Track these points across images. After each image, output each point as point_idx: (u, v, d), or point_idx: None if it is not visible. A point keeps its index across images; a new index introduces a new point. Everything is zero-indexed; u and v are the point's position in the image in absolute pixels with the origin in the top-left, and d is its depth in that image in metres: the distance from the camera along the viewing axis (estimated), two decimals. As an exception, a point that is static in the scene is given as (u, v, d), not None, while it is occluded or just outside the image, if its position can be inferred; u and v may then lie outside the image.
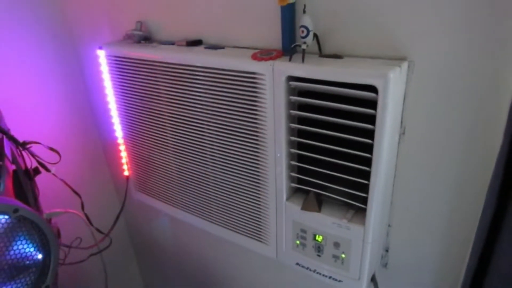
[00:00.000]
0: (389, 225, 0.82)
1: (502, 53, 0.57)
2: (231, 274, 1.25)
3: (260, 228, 0.88)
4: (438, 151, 0.68)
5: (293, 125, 0.72)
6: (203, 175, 0.93)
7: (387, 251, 0.85)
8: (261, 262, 1.12)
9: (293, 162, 0.76)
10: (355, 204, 0.71)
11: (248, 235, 0.92)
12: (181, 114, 0.89)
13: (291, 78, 0.68)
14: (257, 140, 0.78)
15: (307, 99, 0.68)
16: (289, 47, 0.71)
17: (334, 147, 0.68)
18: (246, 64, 0.72)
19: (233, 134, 0.81)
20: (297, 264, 0.85)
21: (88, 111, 1.29)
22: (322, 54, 0.70)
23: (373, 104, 0.61)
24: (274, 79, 0.69)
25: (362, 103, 0.62)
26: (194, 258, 1.34)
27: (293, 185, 0.78)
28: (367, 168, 0.66)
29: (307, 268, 0.84)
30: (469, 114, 0.63)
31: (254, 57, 0.72)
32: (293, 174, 0.77)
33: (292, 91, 0.70)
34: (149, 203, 1.13)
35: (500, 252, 0.60)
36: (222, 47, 0.84)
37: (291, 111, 0.71)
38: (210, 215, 0.98)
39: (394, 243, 0.83)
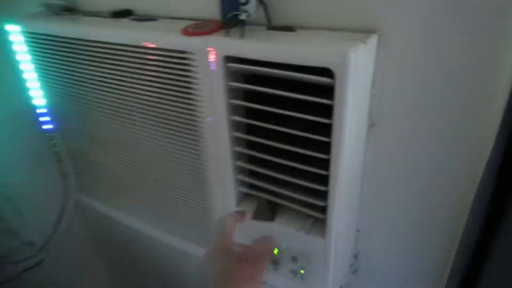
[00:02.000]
0: (357, 230, 0.69)
1: (500, 31, 0.43)
2: (185, 282, 1.13)
3: (209, 237, 0.75)
4: (415, 145, 0.55)
5: (237, 118, 0.57)
6: (142, 174, 0.79)
7: (356, 257, 0.73)
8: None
9: (240, 163, 0.62)
10: (313, 214, 0.58)
11: (197, 243, 0.79)
12: (111, 103, 0.73)
13: (230, 59, 0.53)
14: (195, 135, 0.63)
15: (252, 86, 0.53)
16: (229, 17, 0.55)
17: (284, 146, 0.54)
18: (174, 40, 0.56)
19: (168, 127, 0.66)
20: (253, 277, 0.72)
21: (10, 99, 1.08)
22: (270, 26, 0.55)
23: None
24: (208, 60, 0.54)
25: (326, 89, 0.48)
26: (148, 266, 1.21)
27: (243, 190, 0.64)
28: (324, 172, 0.52)
29: (263, 283, 0.71)
30: (455, 103, 0.49)
31: (186, 31, 0.56)
32: (241, 177, 0.63)
33: (233, 75, 0.55)
34: (92, 205, 0.98)
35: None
36: (154, 19, 0.68)
37: (233, 101, 0.56)
38: (154, 220, 0.84)
39: (364, 249, 0.71)
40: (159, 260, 1.12)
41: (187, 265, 1.06)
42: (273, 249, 0.64)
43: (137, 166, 0.78)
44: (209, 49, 0.53)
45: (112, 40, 0.64)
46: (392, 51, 0.50)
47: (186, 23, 0.61)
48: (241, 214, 0.61)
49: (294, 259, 0.63)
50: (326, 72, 0.45)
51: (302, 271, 0.64)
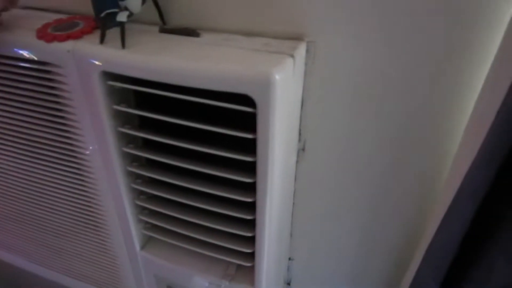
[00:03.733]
0: (290, 259, 0.60)
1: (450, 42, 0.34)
2: None
3: (117, 282, 0.61)
4: (349, 168, 0.46)
5: (129, 150, 0.43)
6: (29, 215, 0.60)
7: (289, 284, 0.65)
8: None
9: (141, 202, 0.48)
10: (238, 263, 0.47)
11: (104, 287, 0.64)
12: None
13: (110, 76, 0.38)
14: (77, 168, 0.48)
15: (146, 113, 0.38)
16: (102, 16, 0.39)
17: (198, 187, 0.41)
18: (28, 46, 0.39)
19: (42, 158, 0.49)
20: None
21: None
22: (165, 28, 0.40)
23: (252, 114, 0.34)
24: (80, 75, 0.38)
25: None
26: None
27: (146, 232, 0.51)
28: (248, 217, 0.41)
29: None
30: (394, 119, 0.41)
31: (42, 33, 0.39)
32: (142, 217, 0.49)
33: (118, 93, 0.40)
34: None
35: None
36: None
37: (121, 129, 0.41)
38: (56, 265, 0.67)
39: (297, 276, 0.63)
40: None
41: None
42: None
43: (23, 206, 0.60)
44: (81, 60, 0.37)
45: None
46: (323, 61, 0.39)
47: (49, 17, 0.43)
48: None
49: (218, 306, 0.53)
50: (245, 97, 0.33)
51: (228, 319, 0.54)
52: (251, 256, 0.46)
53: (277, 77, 0.31)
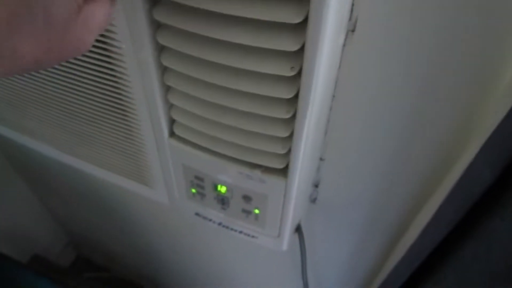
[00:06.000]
0: (321, 159, 0.58)
1: None
2: (123, 217, 1.01)
3: (141, 170, 0.61)
4: (399, 52, 0.41)
5: (159, 19, 0.39)
6: (54, 96, 0.59)
7: (316, 186, 0.64)
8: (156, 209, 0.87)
9: (170, 83, 0.44)
10: (270, 167, 0.45)
11: (129, 177, 0.64)
12: None
13: None
14: (105, 44, 0.44)
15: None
16: None
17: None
18: None
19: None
20: (197, 214, 0.61)
21: None
22: None
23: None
24: None
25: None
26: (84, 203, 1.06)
27: (176, 118, 0.49)
28: (284, 116, 0.37)
29: (210, 220, 0.61)
30: None
31: None
32: (173, 101, 0.46)
33: None
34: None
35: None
36: None
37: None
38: (80, 152, 0.67)
39: (326, 178, 0.61)
40: (90, 190, 0.97)
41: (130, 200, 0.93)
42: None
43: (38, 85, 0.58)
44: None
45: None
46: None
47: None
48: None
49: (247, 198, 0.52)
50: None
51: (256, 211, 0.53)
52: (287, 149, 0.43)
53: None
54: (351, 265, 0.77)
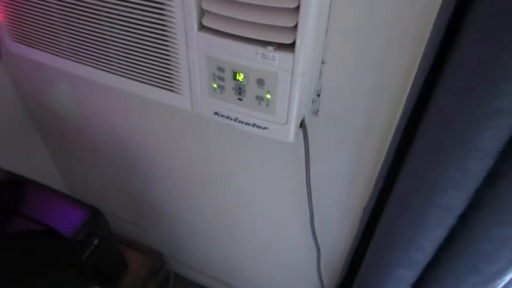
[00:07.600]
0: (322, 62, 0.69)
1: None
2: (146, 139, 1.11)
3: (170, 72, 0.71)
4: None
5: None
6: (91, 8, 0.71)
7: (318, 95, 0.74)
8: (179, 123, 0.98)
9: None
10: (281, 42, 0.55)
11: (155, 83, 0.75)
12: None
13: None
14: None
15: None
16: None
17: None
18: None
19: None
20: (216, 113, 0.72)
21: None
22: None
23: None
24: None
25: None
26: (104, 128, 1.16)
27: (205, 8, 0.60)
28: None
29: (227, 117, 0.71)
30: None
31: None
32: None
33: None
34: (32, 56, 0.89)
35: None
36: None
37: None
38: (107, 63, 0.78)
39: (327, 85, 0.72)
40: (118, 116, 1.08)
41: (153, 117, 1.04)
42: None
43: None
44: None
45: None
46: None
47: None
48: None
49: (260, 82, 0.63)
50: None
51: (268, 96, 0.64)
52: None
53: None
54: (353, 176, 0.86)
